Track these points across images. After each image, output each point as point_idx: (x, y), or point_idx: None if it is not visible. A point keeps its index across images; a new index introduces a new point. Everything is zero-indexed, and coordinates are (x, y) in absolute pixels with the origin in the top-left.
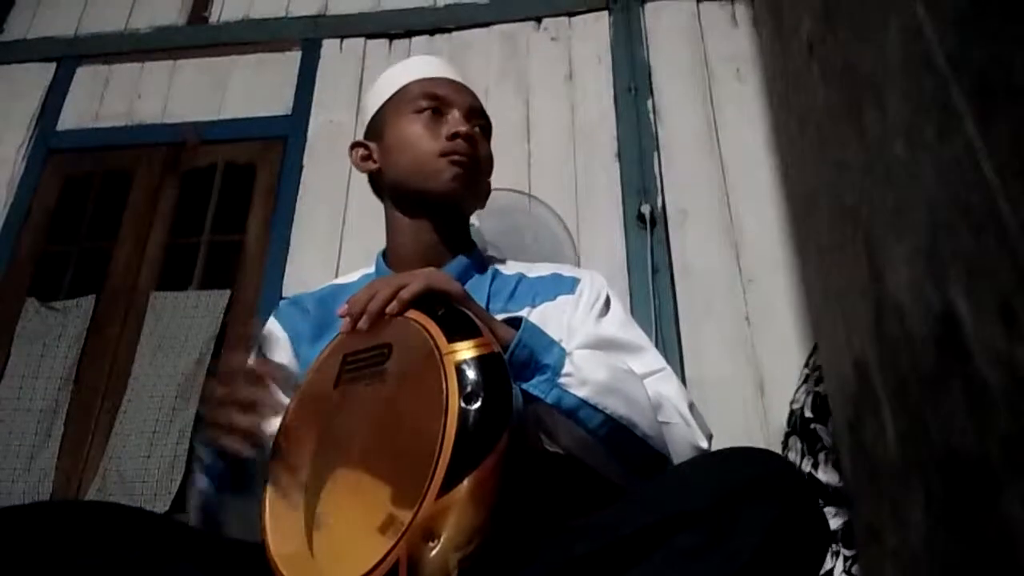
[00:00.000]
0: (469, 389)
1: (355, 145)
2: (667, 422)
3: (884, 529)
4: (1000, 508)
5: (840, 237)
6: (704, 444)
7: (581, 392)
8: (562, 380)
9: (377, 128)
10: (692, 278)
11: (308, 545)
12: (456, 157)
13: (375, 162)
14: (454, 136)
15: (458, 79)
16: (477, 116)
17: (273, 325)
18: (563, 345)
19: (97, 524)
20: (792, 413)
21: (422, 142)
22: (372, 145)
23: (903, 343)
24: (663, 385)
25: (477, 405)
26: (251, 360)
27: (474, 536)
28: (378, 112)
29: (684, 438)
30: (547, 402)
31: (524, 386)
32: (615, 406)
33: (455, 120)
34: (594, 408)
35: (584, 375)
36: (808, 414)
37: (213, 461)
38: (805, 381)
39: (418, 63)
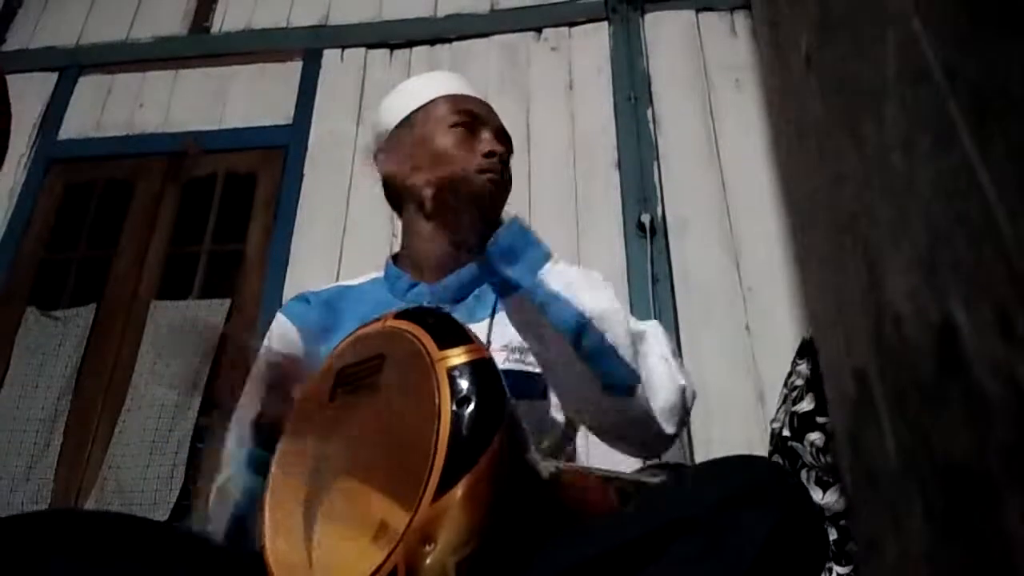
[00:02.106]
0: (461, 394)
1: (379, 151)
2: (646, 353)
3: (884, 539)
4: (1000, 520)
5: (839, 247)
6: (683, 382)
7: (555, 286)
8: (540, 273)
9: (405, 135)
10: (692, 287)
11: (307, 554)
12: (491, 175)
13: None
14: (490, 154)
15: (487, 103)
16: (504, 138)
17: (283, 322)
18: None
19: (96, 533)
20: (773, 433)
21: (458, 154)
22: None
23: (902, 353)
24: (646, 325)
25: (469, 409)
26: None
27: (470, 539)
28: (405, 120)
29: (664, 373)
30: (523, 286)
31: (506, 270)
32: (590, 306)
33: (489, 139)
34: (567, 303)
35: (563, 273)
36: (786, 433)
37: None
38: (784, 401)
39: (445, 78)
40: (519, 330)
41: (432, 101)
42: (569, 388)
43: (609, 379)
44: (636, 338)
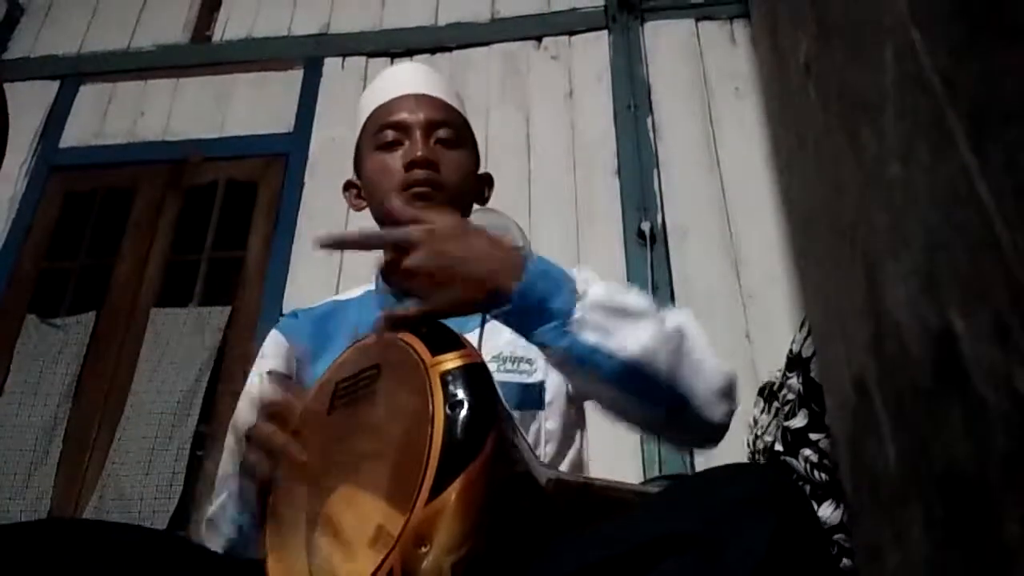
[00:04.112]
0: (454, 398)
1: (347, 186)
2: (690, 350)
3: (885, 547)
4: (999, 528)
5: (838, 255)
6: (727, 368)
7: (592, 337)
8: (571, 327)
9: (357, 165)
10: (692, 294)
11: (306, 561)
12: (416, 189)
13: (363, 199)
14: (410, 166)
15: (417, 89)
16: (437, 127)
17: (276, 337)
18: (574, 284)
19: (95, 542)
20: (765, 446)
21: (384, 179)
22: (359, 182)
23: (901, 361)
24: (678, 317)
25: (463, 412)
26: (257, 377)
27: (465, 540)
28: (356, 147)
29: (713, 368)
30: (558, 347)
31: (533, 334)
32: (631, 347)
33: (411, 146)
34: (607, 354)
35: (595, 318)
36: (779, 448)
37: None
38: (775, 415)
39: (378, 86)
40: (559, 369)
41: (368, 119)
42: (616, 411)
43: (660, 405)
44: (677, 337)
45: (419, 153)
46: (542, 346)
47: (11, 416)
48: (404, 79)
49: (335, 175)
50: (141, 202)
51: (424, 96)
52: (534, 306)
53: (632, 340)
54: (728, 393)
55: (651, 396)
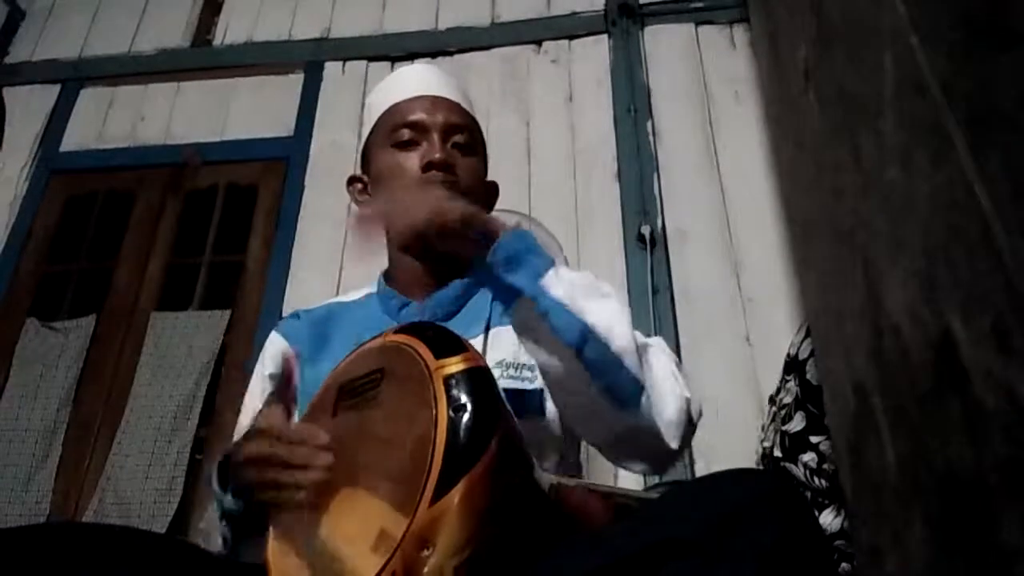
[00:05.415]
0: (457, 401)
1: (351, 180)
2: (651, 365)
3: (885, 551)
4: (998, 532)
5: (838, 260)
6: (688, 395)
7: (560, 295)
8: (543, 279)
9: (366, 161)
10: (692, 298)
11: (310, 566)
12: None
13: (369, 195)
14: (428, 167)
15: (435, 91)
16: (455, 131)
17: (277, 339)
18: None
19: (94, 546)
20: (764, 452)
21: (398, 178)
22: (366, 178)
23: (901, 366)
24: (651, 339)
25: (465, 415)
26: (259, 381)
27: (467, 543)
28: (366, 143)
29: (669, 386)
30: (525, 292)
31: (509, 277)
32: (595, 315)
33: (429, 147)
34: (570, 312)
35: (567, 279)
36: (777, 453)
37: (238, 511)
38: (773, 420)
39: (393, 85)
40: (520, 335)
41: (382, 116)
42: (572, 399)
43: (613, 390)
44: (641, 349)
45: (438, 155)
46: (511, 292)
47: (10, 419)
48: (422, 80)
49: (335, 179)
50: (141, 205)
51: (442, 99)
52: (518, 252)
53: (596, 310)
54: (684, 419)
55: (607, 377)
